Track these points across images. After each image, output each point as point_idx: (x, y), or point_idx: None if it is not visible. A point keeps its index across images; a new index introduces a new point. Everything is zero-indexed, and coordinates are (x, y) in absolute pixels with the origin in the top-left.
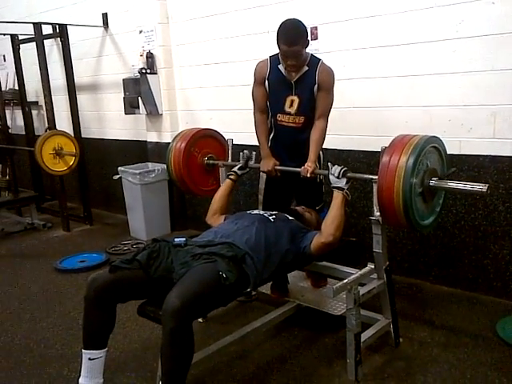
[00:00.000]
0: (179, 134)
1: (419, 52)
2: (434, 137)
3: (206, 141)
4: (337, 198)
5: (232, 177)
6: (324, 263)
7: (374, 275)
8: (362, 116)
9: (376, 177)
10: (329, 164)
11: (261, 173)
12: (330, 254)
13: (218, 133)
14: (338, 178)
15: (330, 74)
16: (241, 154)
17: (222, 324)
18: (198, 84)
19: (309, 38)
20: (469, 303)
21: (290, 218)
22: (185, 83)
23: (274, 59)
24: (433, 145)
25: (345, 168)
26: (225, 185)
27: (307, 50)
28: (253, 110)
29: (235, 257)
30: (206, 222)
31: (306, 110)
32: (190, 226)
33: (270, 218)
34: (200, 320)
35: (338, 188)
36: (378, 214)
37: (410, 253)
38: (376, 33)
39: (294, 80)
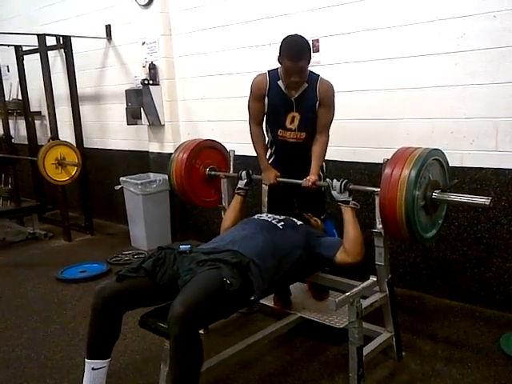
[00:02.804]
0: (181, 145)
1: (421, 65)
2: (436, 149)
3: (207, 152)
4: (347, 213)
5: (242, 192)
6: (326, 275)
7: (377, 288)
8: (363, 128)
9: (378, 189)
10: (327, 180)
11: (263, 185)
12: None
13: (220, 144)
14: (340, 192)
15: (330, 89)
16: (242, 173)
17: (223, 336)
18: (199, 95)
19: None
20: (472, 317)
21: (299, 222)
22: (187, 94)
23: (272, 75)
24: (435, 157)
25: (345, 180)
26: (236, 201)
27: None
28: (249, 123)
29: (239, 263)
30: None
31: (308, 126)
32: (191, 236)
33: (279, 225)
34: (201, 331)
35: (343, 202)
36: (381, 226)
37: (412, 265)
38: (377, 45)
39: (294, 97)
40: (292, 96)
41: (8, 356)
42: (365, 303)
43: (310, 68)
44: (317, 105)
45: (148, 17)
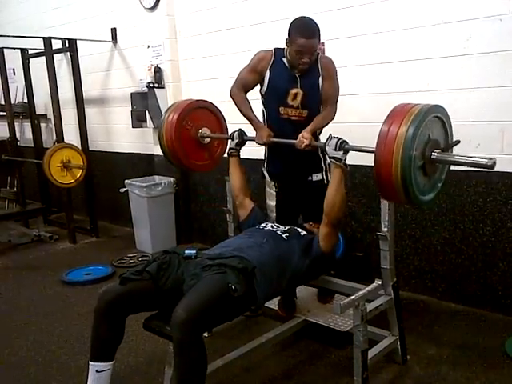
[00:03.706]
0: (171, 106)
1: (426, 68)
2: (438, 106)
3: (199, 113)
4: (335, 173)
5: (234, 152)
6: (331, 279)
7: (382, 291)
8: (368, 131)
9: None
10: (330, 134)
11: (267, 189)
12: (337, 268)
13: (214, 105)
14: (335, 149)
15: (331, 62)
16: (234, 134)
17: (227, 339)
18: (204, 98)
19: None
20: (477, 321)
21: (303, 233)
22: (192, 97)
23: (278, 52)
24: (436, 114)
25: (342, 139)
26: (232, 164)
27: None
28: (230, 90)
29: (245, 269)
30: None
31: (310, 103)
32: (196, 239)
33: (284, 235)
34: (205, 334)
35: (335, 159)
36: (386, 229)
37: (417, 269)
38: (383, 49)
39: (298, 74)
40: (296, 72)
41: (12, 358)
42: (370, 307)
43: None
44: (320, 79)
45: (154, 20)
